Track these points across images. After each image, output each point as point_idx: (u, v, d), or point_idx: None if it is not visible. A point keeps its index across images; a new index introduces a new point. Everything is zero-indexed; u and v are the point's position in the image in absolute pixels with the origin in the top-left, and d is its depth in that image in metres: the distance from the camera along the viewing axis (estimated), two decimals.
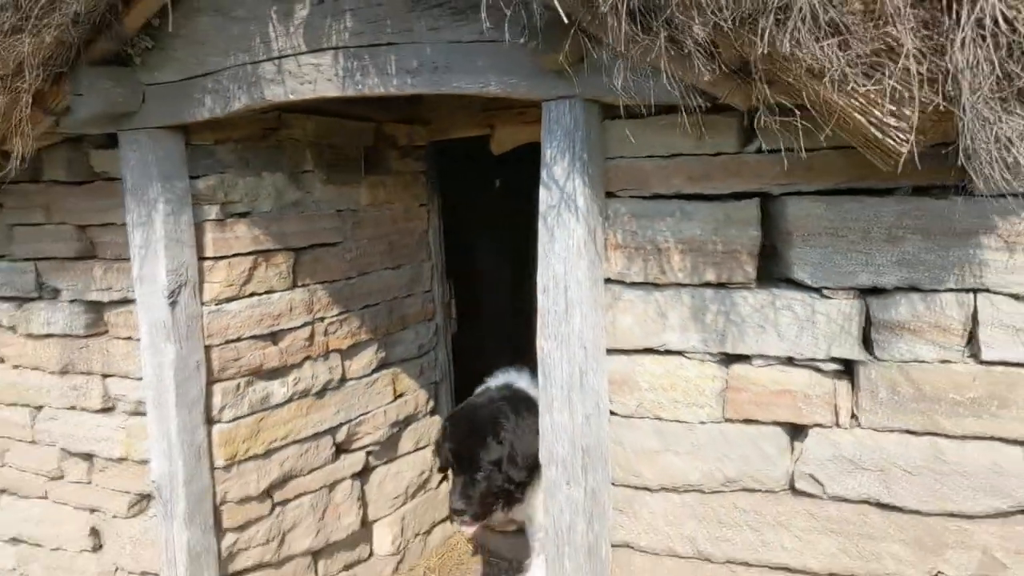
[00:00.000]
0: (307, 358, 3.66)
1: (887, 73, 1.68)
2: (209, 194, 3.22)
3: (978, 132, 1.69)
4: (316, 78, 2.71)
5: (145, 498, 3.47)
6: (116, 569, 3.62)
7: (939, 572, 2.37)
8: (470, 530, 3.74)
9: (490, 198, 5.31)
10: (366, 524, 4.06)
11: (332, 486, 3.83)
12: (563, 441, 2.46)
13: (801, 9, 1.60)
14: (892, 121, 1.82)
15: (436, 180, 4.46)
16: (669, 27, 1.80)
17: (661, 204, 2.48)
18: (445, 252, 4.64)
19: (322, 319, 3.72)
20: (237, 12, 2.77)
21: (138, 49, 2.93)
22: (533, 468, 3.44)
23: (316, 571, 3.79)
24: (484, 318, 5.38)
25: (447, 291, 4.67)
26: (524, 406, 3.61)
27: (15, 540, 3.93)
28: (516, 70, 2.39)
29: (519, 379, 3.88)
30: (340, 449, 3.88)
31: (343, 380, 3.87)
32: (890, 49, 1.68)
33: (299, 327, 3.61)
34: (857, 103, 1.79)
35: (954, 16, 1.62)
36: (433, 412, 4.50)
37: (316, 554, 3.78)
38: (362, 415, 3.98)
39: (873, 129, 1.86)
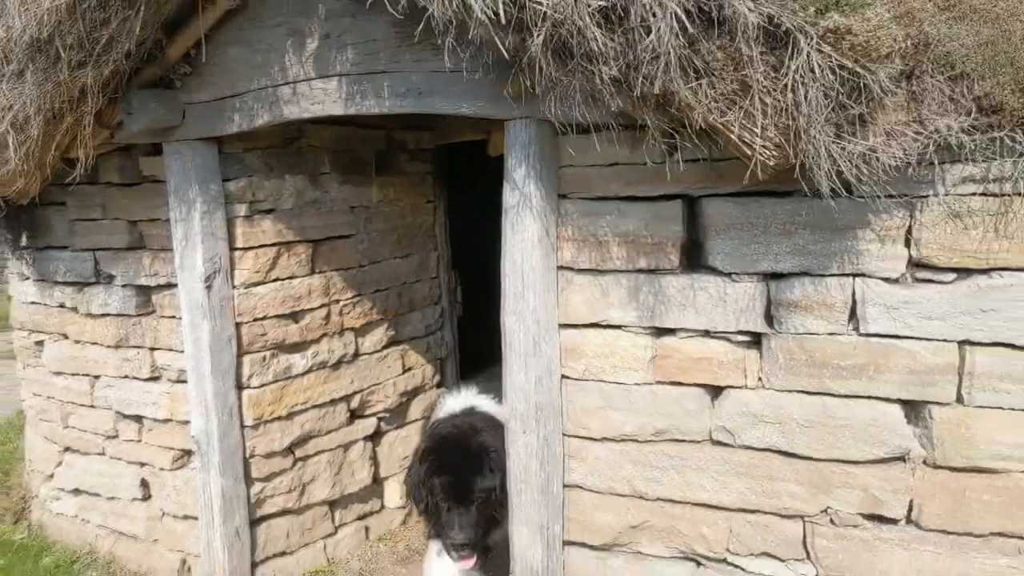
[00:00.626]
0: (324, 335, 4.23)
1: (745, 105, 2.18)
2: (239, 194, 3.80)
3: (811, 151, 2.19)
4: (324, 99, 3.27)
5: (186, 453, 4.07)
6: (163, 515, 4.23)
7: (829, 507, 2.88)
8: (470, 564, 3.56)
9: (494, 195, 5.82)
10: (378, 480, 4.64)
11: (347, 446, 4.41)
12: (520, 398, 3.00)
13: (671, 57, 2.11)
14: (759, 141, 2.32)
15: (441, 179, 5.00)
16: (582, 68, 2.32)
17: (603, 204, 3.00)
18: (453, 244, 5.19)
19: (337, 301, 4.29)
20: (259, 45, 3.33)
21: (179, 75, 3.52)
22: None
23: (333, 519, 4.38)
24: (489, 303, 5.90)
25: (453, 279, 5.21)
26: (499, 430, 3.52)
27: (77, 491, 4.57)
28: (482, 95, 2.91)
29: (477, 400, 3.90)
30: (354, 414, 4.46)
31: (357, 355, 4.44)
32: (746, 87, 2.19)
33: (317, 308, 4.18)
34: (733, 127, 2.29)
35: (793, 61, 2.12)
36: (439, 385, 5.06)
37: (333, 504, 4.37)
38: (374, 385, 4.55)
39: (746, 147, 2.36)
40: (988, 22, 2.52)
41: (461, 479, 3.52)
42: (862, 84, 2.16)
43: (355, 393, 4.43)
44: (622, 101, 2.38)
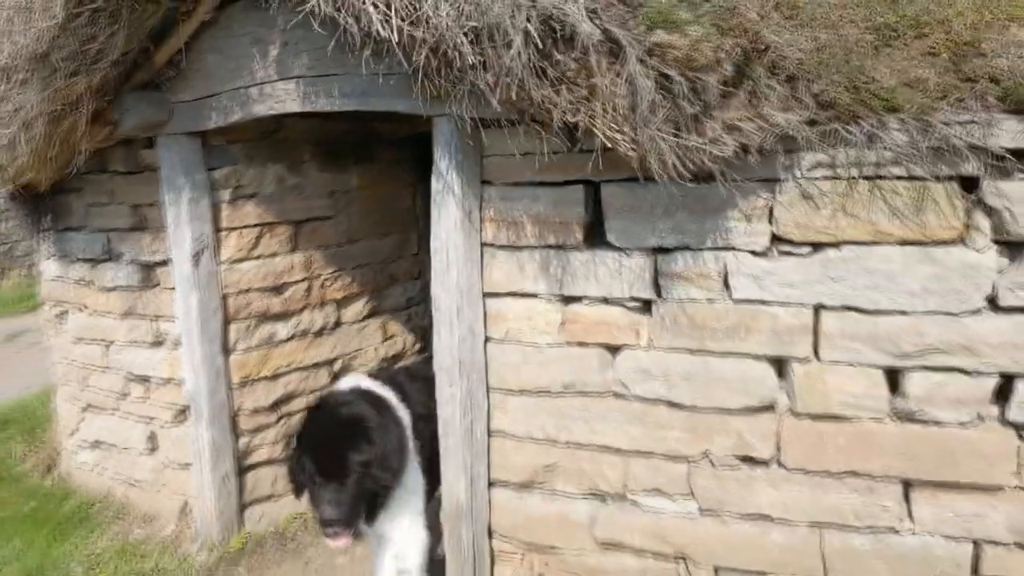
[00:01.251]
0: (306, 306, 4.76)
1: (589, 107, 2.62)
2: (223, 181, 4.32)
3: (648, 145, 2.62)
4: (286, 98, 3.75)
5: (185, 410, 4.62)
6: (166, 464, 4.81)
7: (708, 451, 3.31)
8: (342, 542, 3.40)
9: None
10: None
11: None
12: (446, 355, 3.48)
13: (528, 68, 2.55)
14: (618, 136, 2.76)
15: (419, 165, 5.47)
16: (466, 76, 2.77)
17: (519, 189, 3.44)
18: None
19: (319, 276, 4.81)
20: (231, 52, 3.83)
21: (166, 78, 4.04)
22: (397, 471, 3.51)
23: None
24: None
25: None
26: (381, 405, 3.60)
27: (95, 445, 5.18)
28: (411, 95, 3.37)
29: (365, 381, 3.79)
30: (337, 377, 4.98)
31: (338, 324, 4.96)
32: (594, 91, 2.62)
33: (299, 282, 4.70)
34: (580, 125, 2.73)
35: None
36: (421, 351, 5.57)
37: None
38: (356, 351, 5.07)
39: (608, 141, 2.80)
40: (826, 28, 2.92)
41: (333, 452, 3.34)
42: (687, 89, 2.58)
43: (337, 358, 4.96)
44: (502, 103, 2.83)
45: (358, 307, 5.08)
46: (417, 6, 2.67)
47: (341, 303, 4.97)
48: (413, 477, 3.68)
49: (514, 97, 2.70)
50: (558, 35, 2.56)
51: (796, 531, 3.24)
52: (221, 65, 3.90)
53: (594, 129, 2.76)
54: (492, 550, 3.70)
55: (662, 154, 2.65)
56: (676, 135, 2.64)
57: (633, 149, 2.75)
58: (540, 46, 2.57)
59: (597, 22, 2.53)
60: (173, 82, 4.06)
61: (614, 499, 3.50)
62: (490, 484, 3.66)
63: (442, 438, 3.58)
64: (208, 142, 4.28)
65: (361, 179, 5.03)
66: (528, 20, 2.51)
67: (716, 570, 3.38)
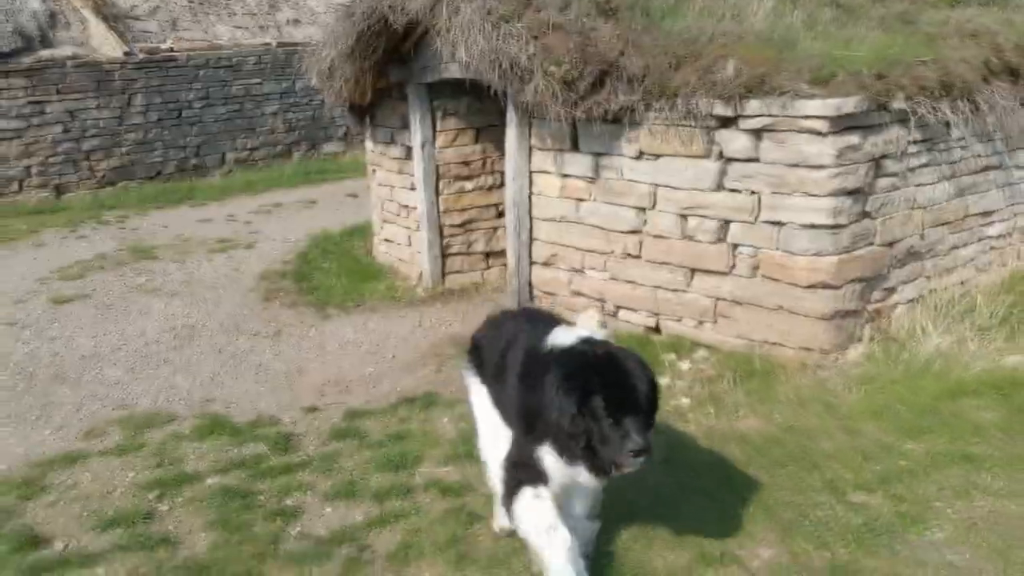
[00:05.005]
0: (482, 173, 8.90)
1: (533, 93, 6.41)
2: (438, 107, 8.52)
3: (556, 110, 6.36)
4: (454, 70, 7.81)
5: (418, 224, 9.06)
6: (415, 252, 9.30)
7: (613, 249, 7.04)
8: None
9: None
10: None
11: (495, 228, 9.09)
12: (509, 198, 7.50)
13: (507, 77, 6.38)
14: (550, 106, 6.55)
15: None
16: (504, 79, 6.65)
17: (545, 121, 7.23)
18: None
19: (490, 157, 8.95)
20: (434, 46, 7.93)
21: (408, 57, 8.29)
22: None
23: (487, 261, 9.14)
24: None
25: None
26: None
27: (386, 240, 9.85)
28: (498, 81, 7.28)
29: (585, 333, 3.81)
30: (500, 214, 9.11)
31: (501, 184, 9.04)
32: (533, 86, 6.39)
33: (478, 160, 8.84)
34: (543, 101, 6.55)
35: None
36: None
37: (487, 255, 9.12)
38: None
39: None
40: (653, 57, 6.39)
41: (643, 384, 3.39)
42: (565, 88, 6.27)
43: (500, 203, 9.07)
44: (505, 88, 6.70)
45: None
46: (472, 48, 6.60)
47: (503, 174, 9.03)
48: None
49: (506, 87, 6.59)
50: (514, 65, 6.37)
51: (647, 288, 6.90)
52: (430, 52, 8.04)
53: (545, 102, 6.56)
54: (531, 292, 7.76)
55: (559, 115, 6.41)
56: (567, 106, 6.36)
57: (553, 110, 6.52)
58: (511, 70, 6.42)
59: (528, 61, 6.29)
60: (412, 58, 8.31)
61: (577, 271, 7.38)
62: (531, 263, 7.69)
63: (506, 238, 7.64)
64: (432, 87, 8.48)
65: None
66: (506, 59, 6.36)
67: (616, 307, 7.16)
